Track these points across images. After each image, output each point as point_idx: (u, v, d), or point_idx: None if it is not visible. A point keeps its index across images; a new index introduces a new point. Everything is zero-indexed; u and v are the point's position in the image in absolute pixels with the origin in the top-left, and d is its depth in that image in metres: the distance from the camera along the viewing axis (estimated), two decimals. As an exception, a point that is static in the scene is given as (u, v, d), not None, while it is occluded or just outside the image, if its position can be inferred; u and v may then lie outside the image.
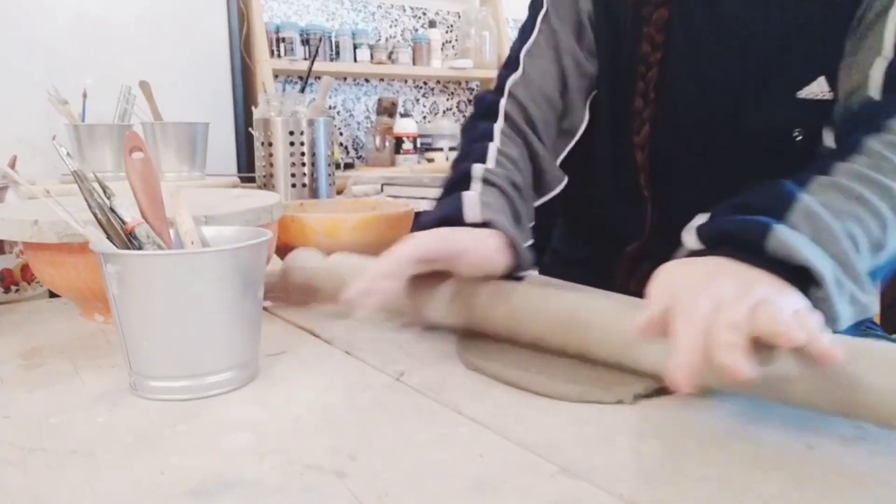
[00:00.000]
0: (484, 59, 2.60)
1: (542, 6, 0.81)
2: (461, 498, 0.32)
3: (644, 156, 0.75)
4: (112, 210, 0.48)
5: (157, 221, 0.49)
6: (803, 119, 0.66)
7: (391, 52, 2.51)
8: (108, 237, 0.47)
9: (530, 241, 0.65)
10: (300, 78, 2.32)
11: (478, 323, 0.54)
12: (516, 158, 0.72)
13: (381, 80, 2.60)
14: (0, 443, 0.39)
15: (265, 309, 0.66)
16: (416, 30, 2.67)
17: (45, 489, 0.34)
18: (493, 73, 2.57)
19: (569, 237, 0.94)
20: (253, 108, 1.24)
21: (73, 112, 1.33)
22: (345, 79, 2.51)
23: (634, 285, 0.53)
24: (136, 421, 0.41)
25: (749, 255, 0.44)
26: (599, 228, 0.83)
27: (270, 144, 1.17)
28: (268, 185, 1.18)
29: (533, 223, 0.72)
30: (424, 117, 2.72)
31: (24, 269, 0.73)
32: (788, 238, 0.44)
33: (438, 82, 2.75)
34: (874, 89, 0.60)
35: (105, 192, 0.48)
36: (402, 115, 2.48)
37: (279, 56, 2.23)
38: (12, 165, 1.05)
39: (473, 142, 0.73)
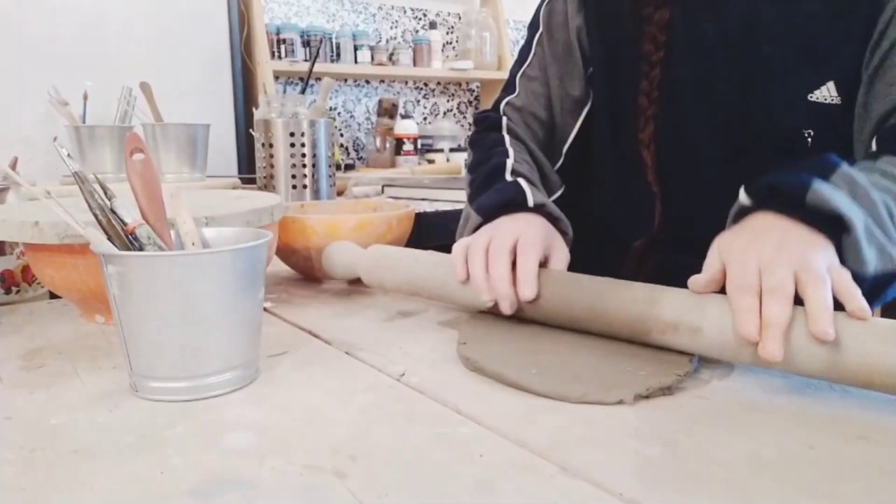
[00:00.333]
0: (484, 61, 2.60)
1: (538, 28, 0.86)
2: (461, 498, 0.32)
3: (650, 153, 0.75)
4: (113, 211, 0.48)
5: (157, 222, 0.49)
6: (813, 121, 0.67)
7: (392, 54, 2.51)
8: (109, 238, 0.47)
9: None
10: (301, 79, 2.32)
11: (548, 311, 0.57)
12: (528, 160, 0.79)
13: (382, 81, 2.60)
14: (0, 443, 0.39)
15: (265, 309, 0.67)
16: (417, 31, 2.67)
17: (45, 489, 0.34)
18: (493, 75, 2.57)
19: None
20: (254, 109, 1.24)
21: (73, 113, 1.33)
22: (345, 80, 2.52)
23: (642, 280, 0.55)
24: (136, 421, 0.41)
25: (790, 209, 0.51)
26: (603, 228, 0.83)
27: (271, 146, 1.17)
28: (268, 186, 1.19)
29: None
30: (425, 118, 2.73)
31: (25, 270, 0.73)
32: (826, 191, 0.50)
33: (439, 83, 2.75)
34: None
35: (106, 193, 0.48)
36: (403, 117, 2.48)
37: (280, 57, 2.23)
38: (13, 166, 1.05)
39: (489, 147, 0.80)
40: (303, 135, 1.17)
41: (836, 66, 0.65)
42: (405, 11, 2.65)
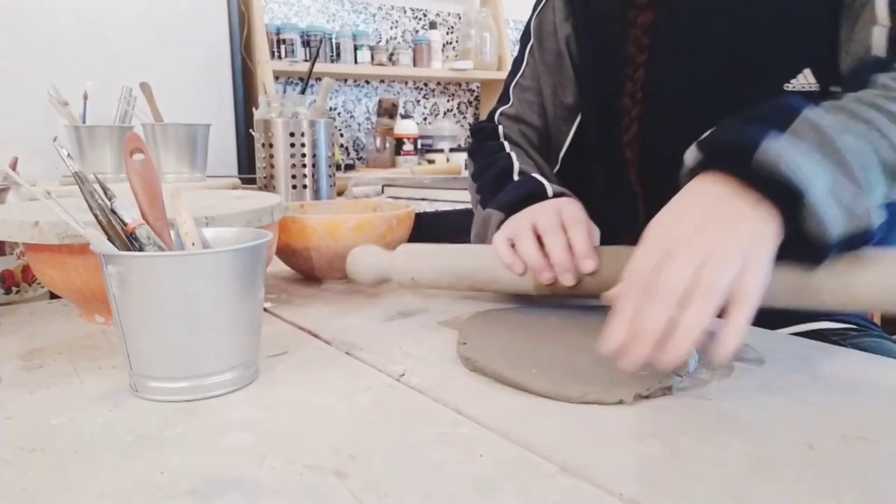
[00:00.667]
0: (484, 61, 2.60)
1: (529, 38, 0.88)
2: (461, 498, 0.32)
3: (634, 153, 0.77)
4: (113, 211, 0.48)
5: (157, 223, 0.49)
6: None
7: (392, 54, 2.51)
8: (109, 238, 0.47)
9: None
10: (301, 79, 2.32)
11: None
12: (530, 162, 0.81)
13: (382, 81, 2.60)
14: (0, 443, 0.39)
15: (265, 309, 0.67)
16: (417, 31, 2.67)
17: (45, 489, 0.34)
18: (493, 75, 2.57)
19: None
20: (254, 109, 1.24)
21: (73, 113, 1.33)
22: (345, 80, 2.52)
23: None
24: (136, 421, 0.41)
25: (734, 171, 0.46)
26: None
27: (271, 146, 1.17)
28: (268, 186, 1.19)
29: None
30: (425, 118, 2.73)
31: (25, 270, 0.73)
32: (778, 149, 0.45)
33: (439, 83, 2.75)
34: (878, 51, 0.60)
35: (106, 193, 0.48)
36: (403, 117, 2.48)
37: (280, 57, 2.23)
38: (13, 166, 1.05)
39: (491, 154, 0.82)
40: (303, 135, 1.17)
41: (811, 52, 0.65)
42: (405, 11, 2.65)
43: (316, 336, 0.59)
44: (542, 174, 0.81)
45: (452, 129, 2.64)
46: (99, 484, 0.34)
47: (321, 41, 2.19)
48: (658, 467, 0.35)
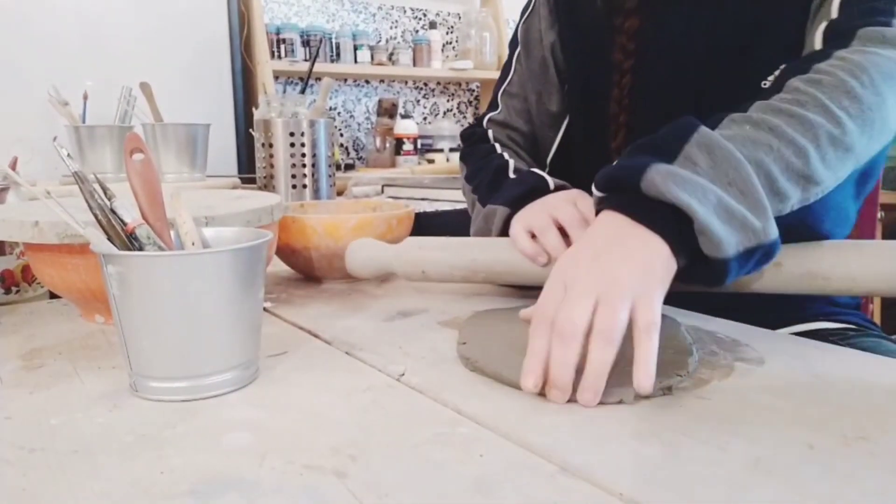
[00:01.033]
0: (484, 61, 2.61)
1: (517, 45, 0.90)
2: (461, 498, 0.32)
3: None
4: (112, 211, 0.48)
5: (157, 222, 0.49)
6: None
7: (391, 54, 2.51)
8: (109, 238, 0.47)
9: None
10: (301, 79, 2.32)
11: None
12: (523, 162, 0.83)
13: (382, 81, 2.60)
14: (0, 443, 0.39)
15: (265, 309, 0.67)
16: (417, 31, 2.67)
17: (45, 489, 0.34)
18: (493, 75, 2.57)
19: None
20: (253, 109, 1.24)
21: (73, 113, 1.33)
22: (345, 80, 2.52)
23: None
24: (136, 421, 0.41)
25: (624, 203, 0.49)
26: None
27: (271, 146, 1.17)
28: (268, 186, 1.19)
29: None
30: (425, 118, 2.73)
31: (25, 269, 0.73)
32: (661, 176, 0.47)
33: (439, 83, 2.75)
34: (817, 45, 0.60)
35: (106, 193, 0.48)
36: (403, 117, 2.48)
37: (280, 57, 2.23)
38: (13, 166, 1.06)
39: (484, 156, 0.83)
40: (303, 135, 1.17)
41: (787, 52, 0.65)
42: (405, 11, 2.65)
43: (316, 336, 0.59)
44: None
45: (452, 128, 2.64)
46: (99, 484, 0.34)
47: (321, 41, 2.19)
48: (658, 467, 0.35)
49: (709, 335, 0.56)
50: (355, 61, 2.39)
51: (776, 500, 0.32)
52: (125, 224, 0.48)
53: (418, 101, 2.71)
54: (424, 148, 2.53)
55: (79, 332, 0.61)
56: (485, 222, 0.73)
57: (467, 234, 0.81)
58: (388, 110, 2.48)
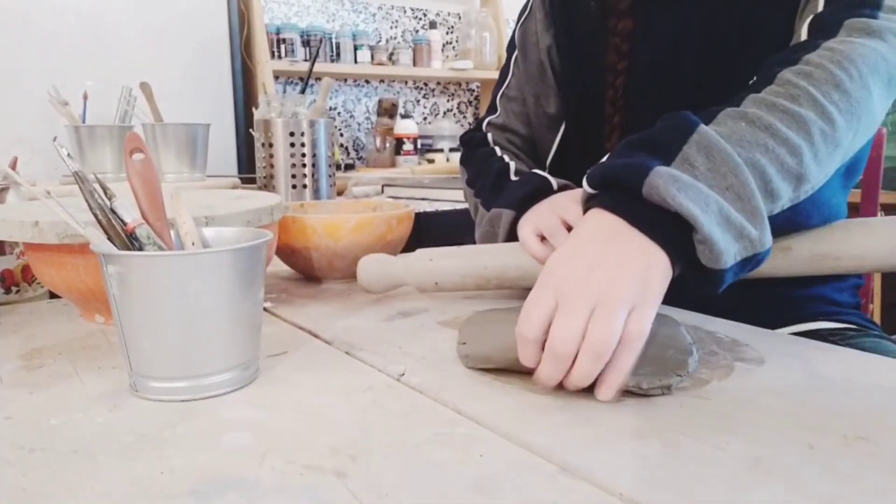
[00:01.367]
0: (484, 61, 2.60)
1: (514, 48, 0.90)
2: (461, 498, 0.32)
3: None
4: (113, 211, 0.48)
5: (157, 222, 0.49)
6: None
7: (392, 54, 2.51)
8: (109, 238, 0.47)
9: None
10: (301, 79, 2.32)
11: None
12: (524, 164, 0.83)
13: (382, 81, 2.60)
14: (0, 443, 0.39)
15: (265, 309, 0.67)
16: (417, 31, 2.67)
17: (45, 489, 0.34)
18: (493, 75, 2.57)
19: None
20: (253, 109, 1.24)
21: (73, 113, 1.33)
22: (345, 80, 2.52)
23: None
24: (136, 421, 0.41)
25: (623, 206, 0.47)
26: None
27: (271, 145, 1.17)
28: (268, 185, 1.19)
29: None
30: (425, 118, 2.73)
31: (25, 269, 0.73)
32: (665, 181, 0.45)
33: (439, 83, 2.75)
34: (803, 37, 0.60)
35: (106, 193, 0.48)
36: (403, 117, 2.48)
37: (280, 57, 2.23)
38: (13, 166, 1.06)
39: (484, 160, 0.84)
40: (303, 135, 1.17)
41: (779, 49, 0.65)
42: (405, 11, 2.65)
43: (316, 336, 0.59)
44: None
45: (452, 128, 2.64)
46: (99, 484, 0.34)
47: (321, 41, 2.19)
48: (658, 467, 0.35)
49: (709, 335, 0.56)
50: (355, 61, 2.39)
51: (776, 500, 0.32)
52: (125, 224, 0.48)
53: (418, 101, 2.71)
54: (424, 148, 2.53)
55: (79, 332, 0.61)
56: (490, 226, 0.73)
57: (468, 234, 0.81)
58: (388, 110, 2.48)
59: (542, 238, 0.64)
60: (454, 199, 1.37)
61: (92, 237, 0.46)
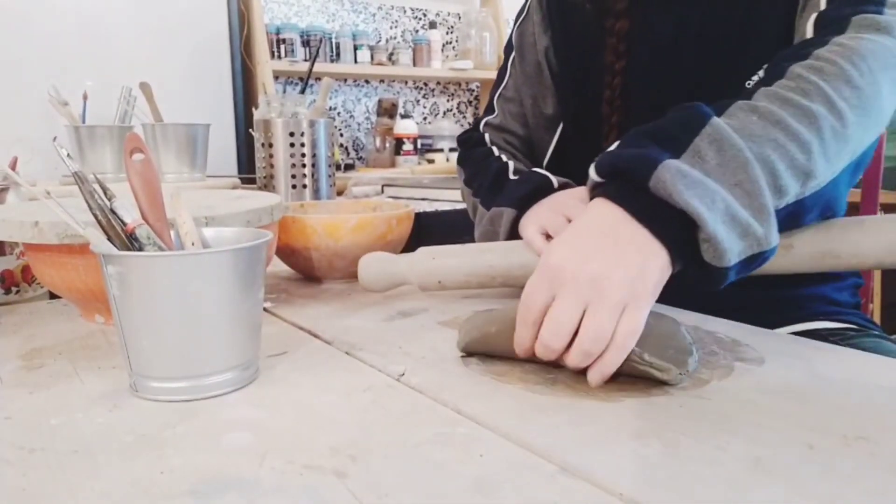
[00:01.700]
0: (484, 61, 2.60)
1: (512, 50, 0.90)
2: (461, 498, 0.32)
3: None
4: (112, 211, 0.48)
5: (157, 222, 0.49)
6: None
7: (391, 54, 2.51)
8: (109, 238, 0.47)
9: None
10: (301, 79, 2.32)
11: None
12: (521, 163, 0.83)
13: (382, 81, 2.60)
14: (0, 443, 0.39)
15: (265, 309, 0.67)
16: (417, 31, 2.67)
17: (45, 489, 0.34)
18: (493, 75, 2.57)
19: None
20: (253, 109, 1.24)
21: (73, 113, 1.33)
22: (345, 80, 2.52)
23: None
24: (136, 421, 0.41)
25: (628, 199, 0.47)
26: None
27: (271, 146, 1.17)
28: (268, 186, 1.19)
29: None
30: (425, 118, 2.73)
31: (25, 270, 0.73)
32: (673, 176, 0.45)
33: (439, 83, 2.75)
34: (809, 34, 0.60)
35: (105, 193, 0.48)
36: (403, 117, 2.48)
37: (279, 57, 2.23)
38: (13, 166, 1.05)
39: (482, 159, 0.84)
40: (303, 135, 1.17)
41: (777, 49, 0.65)
42: (405, 11, 2.65)
43: (316, 336, 0.59)
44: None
45: (452, 128, 2.64)
46: (99, 484, 0.34)
47: (321, 41, 2.19)
48: (658, 467, 0.35)
49: (709, 335, 0.56)
50: (355, 61, 2.39)
51: (776, 500, 0.32)
52: (125, 224, 0.48)
53: (418, 101, 2.71)
54: (424, 148, 2.53)
55: (79, 332, 0.61)
56: (491, 224, 0.73)
57: (468, 234, 0.81)
58: (387, 110, 2.47)
59: (548, 236, 0.64)
60: (454, 199, 1.37)
61: (92, 237, 0.46)
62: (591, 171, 0.51)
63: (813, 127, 0.50)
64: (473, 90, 2.84)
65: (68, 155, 0.46)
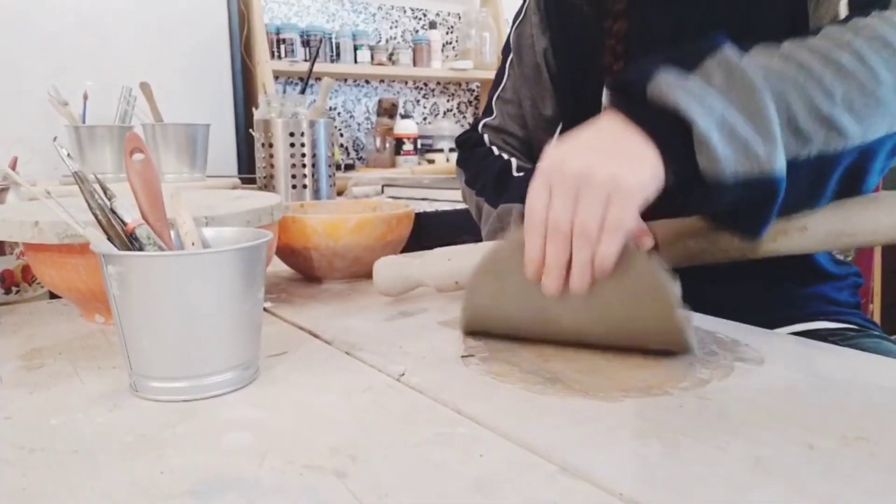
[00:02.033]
0: (484, 61, 2.60)
1: (510, 51, 0.90)
2: (461, 498, 0.32)
3: None
4: (113, 211, 0.48)
5: (157, 222, 0.49)
6: None
7: (391, 54, 2.51)
8: (109, 238, 0.47)
9: None
10: (301, 79, 2.32)
11: None
12: (523, 161, 0.83)
13: (382, 81, 2.60)
14: (0, 443, 0.39)
15: (265, 309, 0.67)
16: (417, 31, 2.67)
17: (45, 489, 0.34)
18: (493, 75, 2.57)
19: None
20: (253, 109, 1.24)
21: (73, 113, 1.33)
22: (345, 80, 2.52)
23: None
24: (136, 421, 0.41)
25: (628, 105, 0.47)
26: None
27: (271, 146, 1.17)
28: (268, 186, 1.19)
29: None
30: (425, 118, 2.73)
31: (25, 270, 0.73)
32: (668, 81, 0.45)
33: (439, 83, 2.75)
34: (842, 13, 0.58)
35: (106, 193, 0.48)
36: (403, 117, 2.48)
37: (280, 57, 2.23)
38: (13, 166, 1.06)
39: (482, 159, 0.84)
40: (303, 135, 1.17)
41: None
42: (405, 11, 2.65)
43: (316, 336, 0.59)
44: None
45: (452, 128, 2.64)
46: (99, 484, 0.34)
47: (321, 41, 2.19)
48: (658, 467, 0.35)
49: (709, 335, 0.56)
50: (355, 61, 2.39)
51: (776, 500, 0.32)
52: (125, 224, 0.48)
53: (418, 101, 2.71)
54: (424, 148, 2.53)
55: (79, 332, 0.61)
56: (499, 222, 0.73)
57: (468, 234, 0.81)
58: (388, 110, 2.47)
59: None
60: (454, 199, 1.37)
61: (92, 237, 0.46)
62: (604, 90, 0.51)
63: (839, 76, 0.48)
64: (473, 90, 2.84)
65: (68, 155, 0.46)
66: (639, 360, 0.50)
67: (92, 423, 0.41)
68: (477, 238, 0.79)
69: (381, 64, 2.44)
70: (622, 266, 0.46)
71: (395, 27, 2.63)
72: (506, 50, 0.91)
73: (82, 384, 0.48)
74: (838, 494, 0.32)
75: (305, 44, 2.29)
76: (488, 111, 0.91)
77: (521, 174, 0.76)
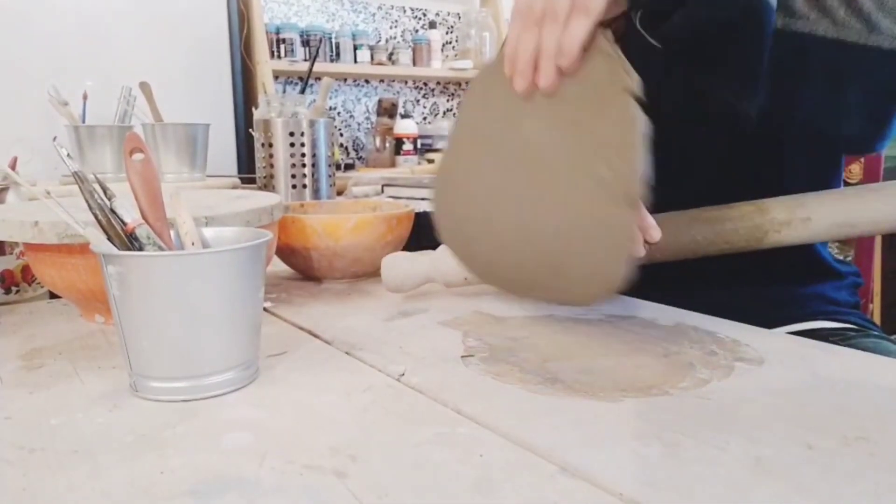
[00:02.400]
0: (484, 60, 2.60)
1: None
2: (461, 498, 0.32)
3: None
4: (112, 211, 0.48)
5: (157, 222, 0.49)
6: None
7: (391, 53, 2.51)
8: (109, 238, 0.47)
9: None
10: (300, 79, 2.32)
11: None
12: None
13: (382, 80, 2.60)
14: (0, 443, 0.39)
15: (265, 309, 0.67)
16: (417, 31, 2.67)
17: (45, 489, 0.34)
18: (493, 74, 2.57)
19: None
20: (253, 109, 1.24)
21: (73, 113, 1.33)
22: (345, 80, 2.52)
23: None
24: (136, 421, 0.41)
25: None
26: None
27: (271, 145, 1.17)
28: (268, 185, 1.19)
29: None
30: (425, 118, 2.73)
31: (25, 270, 0.73)
32: None
33: (439, 83, 2.75)
34: None
35: (105, 193, 0.48)
36: (403, 116, 2.48)
37: (279, 57, 2.23)
38: (13, 166, 1.06)
39: None
40: (302, 135, 1.17)
41: None
42: (405, 11, 2.65)
43: (316, 336, 0.59)
44: None
45: (452, 128, 2.64)
46: (99, 484, 0.34)
47: (321, 41, 2.19)
48: (658, 467, 0.35)
49: (709, 335, 0.56)
50: (355, 61, 2.39)
51: (776, 500, 0.32)
52: (125, 224, 0.48)
53: (418, 100, 2.71)
54: (424, 148, 2.53)
55: (79, 332, 0.61)
56: None
57: None
58: (387, 110, 2.48)
59: None
60: (454, 198, 1.37)
61: (92, 237, 0.46)
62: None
63: None
64: (473, 90, 2.84)
65: (68, 155, 0.46)
66: (639, 359, 0.50)
67: (92, 423, 0.41)
68: None
69: (380, 64, 2.44)
70: (586, 74, 0.48)
71: (395, 27, 2.63)
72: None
73: (82, 384, 0.48)
74: (838, 494, 0.32)
75: (305, 43, 2.29)
76: None
77: None
